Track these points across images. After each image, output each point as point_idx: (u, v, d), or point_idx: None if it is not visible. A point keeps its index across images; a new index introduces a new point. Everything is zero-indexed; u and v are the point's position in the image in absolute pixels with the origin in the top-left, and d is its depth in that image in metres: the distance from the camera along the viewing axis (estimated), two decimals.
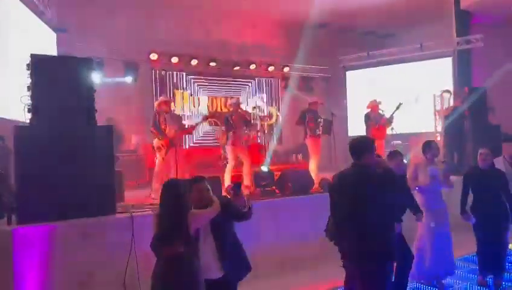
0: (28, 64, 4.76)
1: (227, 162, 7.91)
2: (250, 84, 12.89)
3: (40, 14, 8.32)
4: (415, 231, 5.10)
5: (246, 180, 7.61)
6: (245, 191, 6.86)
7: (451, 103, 9.99)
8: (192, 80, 11.91)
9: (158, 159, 7.07)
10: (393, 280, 4.08)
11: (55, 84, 4.81)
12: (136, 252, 4.60)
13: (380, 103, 9.03)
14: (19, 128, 4.72)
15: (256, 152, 8.55)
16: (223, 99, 12.36)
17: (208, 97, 12.17)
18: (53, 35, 8.95)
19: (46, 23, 8.60)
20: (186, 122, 11.25)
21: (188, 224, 3.11)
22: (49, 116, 4.75)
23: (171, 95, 11.25)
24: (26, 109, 4.74)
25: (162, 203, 3.24)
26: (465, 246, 5.44)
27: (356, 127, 11.33)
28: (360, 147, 3.54)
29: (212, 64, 11.46)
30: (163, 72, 11.38)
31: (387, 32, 13.84)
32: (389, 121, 8.85)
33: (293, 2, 11.10)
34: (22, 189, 4.57)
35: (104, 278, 4.59)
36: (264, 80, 13.13)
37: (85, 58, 5.39)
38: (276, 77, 13.24)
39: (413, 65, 12.18)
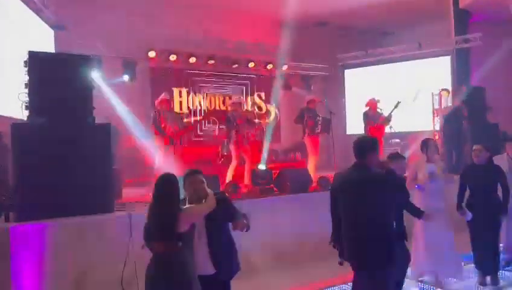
0: (25, 62, 4.74)
1: (226, 160, 7.90)
2: (248, 82, 12.87)
3: (38, 12, 8.29)
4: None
5: (246, 179, 7.62)
6: (244, 190, 6.88)
7: (450, 102, 9.99)
8: (190, 78, 11.89)
9: (157, 157, 7.07)
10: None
11: (53, 81, 4.81)
12: (134, 250, 4.59)
13: (378, 101, 9.03)
14: (17, 126, 4.71)
15: (256, 151, 8.55)
16: (221, 98, 12.35)
17: (207, 95, 12.15)
18: (51, 33, 8.92)
19: (43, 20, 8.57)
20: (185, 121, 11.25)
21: (178, 220, 3.07)
22: (47, 113, 4.74)
23: (170, 93, 11.22)
24: (23, 106, 4.73)
25: (153, 197, 3.19)
26: (465, 245, 5.44)
27: (355, 126, 11.34)
28: (364, 146, 3.53)
29: (211, 62, 11.43)
30: (161, 70, 11.37)
31: (386, 30, 13.84)
32: (388, 119, 8.86)
33: (292, 0, 11.08)
34: (19, 186, 4.57)
35: (102, 276, 4.58)
36: (262, 78, 13.10)
37: (83, 56, 5.38)
38: (275, 76, 13.21)
39: (411, 64, 12.18)
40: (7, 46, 6.86)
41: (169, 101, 7.41)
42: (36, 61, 4.78)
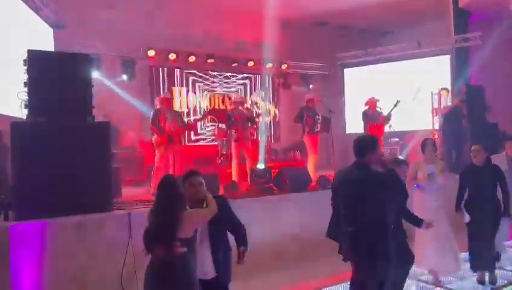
0: (24, 60, 4.74)
1: (225, 159, 7.91)
2: (248, 81, 12.87)
3: (37, 10, 8.27)
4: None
5: (248, 178, 7.63)
6: (243, 189, 6.88)
7: (449, 101, 10.00)
8: (190, 77, 11.89)
9: (157, 155, 7.07)
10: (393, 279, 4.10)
11: (52, 80, 4.80)
12: (133, 249, 4.59)
13: (377, 100, 9.03)
14: (16, 125, 4.70)
15: (256, 149, 8.56)
16: (221, 96, 12.35)
17: (206, 94, 12.15)
18: (50, 32, 8.91)
19: (43, 19, 8.56)
20: (185, 120, 11.26)
21: (181, 224, 3.01)
22: (46, 112, 4.74)
23: (169, 92, 11.21)
24: (23, 105, 4.72)
25: (156, 201, 3.13)
26: (464, 245, 5.44)
27: (354, 125, 11.33)
28: (364, 145, 3.54)
29: (210, 61, 11.42)
30: (160, 69, 11.37)
31: (386, 29, 13.84)
32: (387, 118, 8.85)
33: None
34: (18, 185, 4.56)
35: (101, 275, 4.59)
36: (262, 77, 13.10)
37: (82, 55, 5.38)
38: (274, 74, 13.22)
39: (411, 63, 12.17)
40: (6, 45, 6.85)
41: (169, 100, 7.40)
42: (35, 60, 4.77)
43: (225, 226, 3.47)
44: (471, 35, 11.10)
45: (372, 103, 8.98)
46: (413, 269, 5.13)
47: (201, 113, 11.74)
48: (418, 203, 5.20)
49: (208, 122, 12.00)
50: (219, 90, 12.36)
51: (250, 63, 12.05)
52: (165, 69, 11.47)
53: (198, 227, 3.22)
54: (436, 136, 9.54)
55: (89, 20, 9.87)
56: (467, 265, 5.51)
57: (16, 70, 5.07)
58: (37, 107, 4.73)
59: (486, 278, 5.12)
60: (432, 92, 10.63)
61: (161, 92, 10.33)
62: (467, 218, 5.01)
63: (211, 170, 7.78)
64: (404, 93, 10.63)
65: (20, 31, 7.42)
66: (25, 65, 4.74)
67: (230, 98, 11.92)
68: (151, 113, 7.22)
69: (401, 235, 4.19)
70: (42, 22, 8.56)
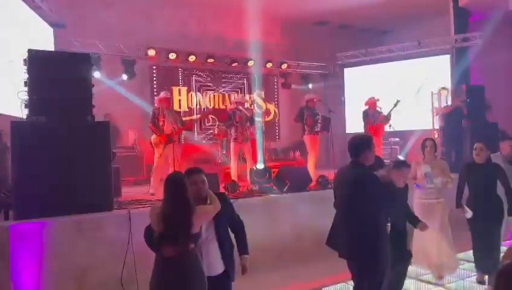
0: (25, 60, 4.74)
1: (225, 159, 7.91)
2: (248, 80, 12.87)
3: (37, 10, 8.27)
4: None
5: (246, 178, 7.64)
6: (243, 189, 6.88)
7: (449, 100, 10.00)
8: (189, 76, 11.89)
9: (156, 155, 7.07)
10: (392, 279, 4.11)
11: (52, 80, 4.80)
12: (133, 249, 4.59)
13: (378, 100, 9.04)
14: (16, 124, 4.70)
15: (255, 149, 8.57)
16: (221, 96, 12.35)
17: (206, 93, 12.16)
18: (50, 31, 8.90)
19: (43, 18, 8.55)
20: (185, 119, 11.25)
21: (192, 221, 2.99)
22: (46, 112, 4.74)
23: (169, 92, 11.21)
24: (23, 105, 4.73)
25: (166, 199, 3.05)
26: (465, 244, 5.45)
27: (354, 125, 11.34)
28: (357, 145, 3.54)
29: (210, 60, 11.42)
30: (161, 68, 11.36)
31: (386, 29, 13.84)
32: (387, 118, 8.86)
33: None
34: (19, 185, 4.56)
35: (101, 274, 4.59)
36: (262, 76, 13.09)
37: (83, 54, 5.38)
38: (274, 74, 13.23)
39: (411, 62, 12.18)
40: (6, 44, 6.85)
41: (168, 99, 7.41)
42: (36, 60, 4.77)
43: (228, 223, 3.49)
44: (471, 35, 11.11)
45: (372, 103, 8.99)
46: (413, 268, 5.18)
47: (202, 112, 11.73)
48: (418, 202, 5.22)
49: (208, 122, 12.00)
50: (219, 89, 12.35)
51: (250, 63, 12.04)
52: (165, 68, 11.47)
53: (205, 223, 3.23)
54: (436, 136, 9.55)
55: (89, 20, 9.88)
56: (466, 264, 5.52)
57: (16, 70, 5.07)
58: (37, 107, 4.73)
59: (486, 277, 5.12)
60: (432, 92, 10.64)
61: (162, 91, 10.32)
62: (469, 214, 5.00)
63: (211, 170, 7.78)
64: (404, 93, 10.64)
65: (20, 30, 7.42)
66: (25, 65, 4.74)
67: (230, 98, 11.94)
68: (150, 112, 7.23)
69: (400, 234, 4.20)
70: (42, 22, 8.56)
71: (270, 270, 5.42)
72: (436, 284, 5.12)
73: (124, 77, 10.37)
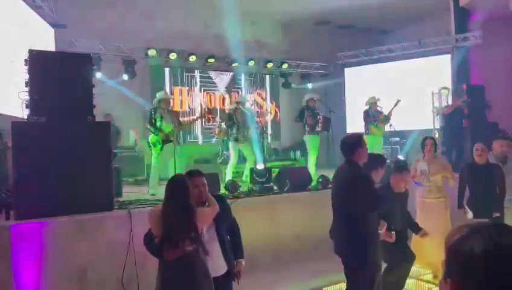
0: (26, 60, 4.74)
1: (226, 159, 7.92)
2: (248, 80, 12.88)
3: (38, 10, 8.28)
4: None
5: (244, 177, 7.64)
6: (243, 189, 6.89)
7: (450, 100, 9.99)
8: (190, 76, 11.90)
9: (153, 155, 7.07)
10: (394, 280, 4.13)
11: (53, 80, 4.81)
12: (134, 249, 4.60)
13: (378, 99, 9.04)
14: (17, 124, 4.71)
15: (256, 149, 8.57)
16: (221, 96, 12.36)
17: (207, 93, 12.17)
18: (51, 31, 8.92)
19: (44, 18, 8.57)
20: (185, 119, 11.26)
21: (196, 223, 2.97)
22: (47, 112, 4.75)
23: (170, 91, 11.24)
24: (24, 105, 4.73)
25: (169, 202, 3.02)
26: None
27: (355, 124, 11.34)
28: (349, 144, 3.58)
29: (211, 60, 11.43)
30: (161, 68, 11.38)
31: (386, 29, 13.83)
32: (388, 117, 8.87)
33: None
34: (19, 185, 4.56)
35: (102, 274, 4.60)
36: (262, 76, 13.11)
37: (83, 54, 5.39)
38: (275, 74, 13.23)
39: (411, 62, 12.17)
40: (7, 44, 6.86)
41: (166, 99, 7.38)
42: (36, 60, 4.78)
43: (226, 225, 3.50)
44: (471, 35, 11.10)
45: (372, 103, 8.99)
46: (413, 268, 5.17)
47: (202, 112, 11.74)
48: (419, 200, 5.24)
49: (209, 121, 12.01)
50: (220, 89, 12.36)
51: (251, 63, 12.06)
52: (166, 68, 11.48)
53: (206, 224, 3.22)
54: (436, 136, 9.55)
55: (89, 20, 9.89)
56: None
57: (17, 70, 5.08)
58: (38, 107, 4.73)
59: None
60: (432, 91, 10.63)
61: (161, 91, 10.33)
62: (470, 215, 5.01)
63: (211, 170, 7.79)
64: (405, 92, 10.63)
65: (21, 30, 7.43)
66: (26, 65, 4.75)
67: (231, 98, 11.95)
68: (148, 112, 7.21)
69: (401, 236, 4.20)
70: (43, 22, 8.57)
71: (270, 270, 5.43)
72: (436, 284, 5.12)
73: (125, 77, 10.38)
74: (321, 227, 4.01)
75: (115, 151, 7.16)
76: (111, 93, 9.71)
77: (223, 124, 9.34)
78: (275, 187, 6.81)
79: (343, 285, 5.00)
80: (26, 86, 4.73)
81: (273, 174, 7.08)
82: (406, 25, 12.75)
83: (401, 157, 9.75)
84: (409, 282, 4.93)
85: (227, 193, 6.23)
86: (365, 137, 8.19)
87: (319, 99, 8.75)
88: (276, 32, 13.21)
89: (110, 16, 10.28)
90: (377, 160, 4.06)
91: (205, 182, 3.35)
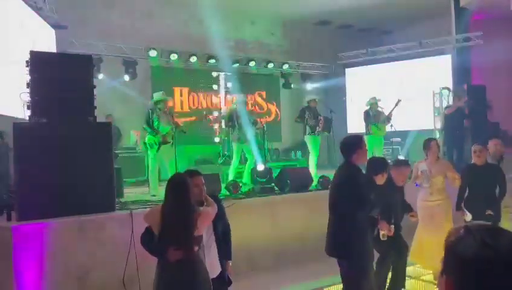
0: (27, 61, 4.76)
1: (227, 159, 7.92)
2: (249, 81, 12.87)
3: (39, 11, 8.29)
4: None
5: (245, 178, 7.64)
6: (244, 189, 6.90)
7: (451, 100, 9.99)
8: (191, 77, 11.90)
9: (150, 156, 7.07)
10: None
11: (54, 81, 4.82)
12: (135, 249, 4.60)
13: (379, 100, 9.04)
14: (18, 125, 4.72)
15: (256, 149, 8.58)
16: (222, 96, 12.35)
17: (207, 94, 12.17)
18: (52, 32, 8.93)
19: (45, 20, 8.58)
20: (185, 119, 11.26)
21: (198, 224, 2.96)
22: (49, 113, 4.76)
23: (170, 92, 11.23)
24: (25, 106, 4.74)
25: (170, 201, 2.99)
26: None
27: (355, 125, 11.34)
28: (347, 146, 3.61)
29: (212, 61, 11.44)
30: (162, 69, 11.39)
31: (387, 29, 13.84)
32: (388, 118, 8.86)
33: None
34: (21, 186, 4.57)
35: (103, 275, 4.61)
36: (263, 77, 13.11)
37: (84, 55, 5.40)
38: (276, 74, 13.23)
39: (412, 62, 12.17)
40: (8, 45, 6.88)
41: (165, 101, 7.37)
42: (38, 61, 4.79)
43: (221, 226, 3.52)
44: (472, 35, 11.10)
45: (373, 103, 8.99)
46: (414, 268, 5.18)
47: (203, 113, 11.73)
48: (420, 203, 5.23)
49: (209, 122, 12.01)
50: (220, 90, 12.36)
51: (252, 63, 12.06)
52: (167, 69, 11.48)
53: (208, 224, 3.23)
54: (437, 136, 9.55)
55: (90, 21, 9.90)
56: None
57: (18, 72, 5.09)
58: (39, 108, 4.74)
59: None
60: (433, 92, 10.63)
61: (159, 92, 10.33)
62: (468, 217, 5.01)
63: (212, 170, 7.80)
64: (406, 92, 10.63)
65: (22, 32, 7.45)
66: (27, 66, 4.76)
67: (231, 98, 11.94)
68: (145, 112, 7.19)
69: (397, 226, 4.26)
70: (44, 23, 8.58)
71: (271, 270, 5.44)
72: (436, 285, 5.12)
73: (126, 77, 10.39)
74: (322, 228, 4.00)
75: (116, 152, 7.17)
76: (112, 94, 9.73)
77: (223, 124, 9.35)
78: (276, 188, 6.81)
79: None
80: (28, 87, 4.74)
81: (274, 175, 7.09)
82: (406, 25, 12.76)
83: (401, 157, 9.75)
84: (409, 282, 4.94)
85: (228, 193, 6.24)
86: (366, 137, 8.30)
87: (319, 100, 8.75)
88: (276, 32, 13.22)
89: (111, 17, 10.30)
90: (380, 164, 4.11)
91: (204, 181, 3.35)
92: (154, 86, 11.02)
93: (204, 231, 3.25)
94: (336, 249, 3.54)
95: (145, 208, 5.25)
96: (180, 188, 3.02)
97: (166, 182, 3.16)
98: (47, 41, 8.60)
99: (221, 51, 11.33)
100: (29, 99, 4.74)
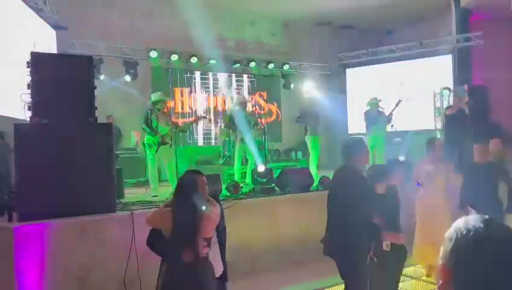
0: (28, 62, 4.76)
1: (227, 159, 7.92)
2: (250, 81, 12.89)
3: (39, 12, 8.30)
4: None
5: (247, 178, 7.64)
6: (245, 190, 6.90)
7: (451, 101, 9.98)
8: (192, 78, 11.91)
9: (149, 157, 7.07)
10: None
11: (55, 82, 4.82)
12: (136, 250, 4.61)
13: (380, 100, 9.04)
14: (19, 126, 4.72)
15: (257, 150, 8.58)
16: (223, 97, 12.36)
17: (208, 95, 12.17)
18: (52, 33, 8.94)
19: (45, 20, 8.59)
20: (186, 120, 11.28)
21: (208, 224, 2.95)
22: (50, 114, 4.76)
23: (171, 93, 11.24)
24: (26, 107, 4.75)
25: (182, 201, 2.95)
26: None
27: (356, 125, 11.34)
28: (346, 148, 3.62)
29: (212, 61, 11.44)
30: (162, 69, 11.40)
31: (387, 29, 13.84)
32: (389, 118, 8.86)
33: None
34: (22, 186, 4.58)
35: (104, 275, 4.61)
36: (263, 77, 13.11)
37: (85, 56, 5.40)
38: (276, 75, 13.23)
39: (413, 62, 12.17)
40: (9, 46, 6.88)
41: (164, 101, 7.37)
42: (38, 62, 4.79)
43: (221, 227, 3.53)
44: (472, 35, 11.09)
45: (374, 103, 8.99)
46: (414, 268, 5.18)
47: (204, 113, 11.75)
48: (420, 203, 5.23)
49: (210, 122, 12.01)
50: (221, 90, 12.37)
51: (252, 64, 12.07)
52: (167, 69, 11.49)
53: (216, 225, 3.23)
54: (438, 136, 9.53)
55: (90, 22, 9.91)
56: None
57: (19, 72, 5.09)
58: (40, 109, 4.74)
59: None
60: (433, 92, 10.63)
61: (157, 92, 10.34)
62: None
63: (213, 171, 7.80)
64: (406, 93, 10.64)
65: (23, 32, 7.46)
66: (28, 67, 4.76)
67: (232, 99, 11.96)
68: (144, 113, 7.19)
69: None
70: (45, 24, 8.59)
71: (271, 271, 5.44)
72: (436, 284, 5.11)
73: (127, 78, 10.40)
74: (323, 228, 4.00)
75: (116, 152, 7.16)
76: (113, 95, 9.73)
77: (224, 125, 9.35)
78: (277, 188, 6.81)
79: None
80: (28, 88, 4.74)
81: (275, 175, 7.09)
82: (407, 25, 12.75)
83: (401, 158, 9.74)
84: (410, 282, 4.94)
85: (228, 193, 6.24)
86: (367, 138, 8.31)
87: (320, 101, 8.76)
88: (277, 32, 13.22)
89: (111, 18, 10.31)
90: (380, 174, 4.09)
91: (206, 182, 3.36)
92: (155, 87, 11.02)
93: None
94: (331, 249, 3.56)
95: (146, 209, 5.26)
96: (192, 188, 2.99)
97: (178, 182, 3.13)
98: (48, 42, 8.60)
99: (222, 51, 11.35)
100: (30, 100, 4.74)
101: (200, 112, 11.80)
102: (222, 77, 12.31)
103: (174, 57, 10.91)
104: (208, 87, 12.19)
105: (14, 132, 4.61)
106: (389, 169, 4.46)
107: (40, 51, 6.69)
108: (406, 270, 5.10)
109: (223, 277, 3.46)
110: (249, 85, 12.86)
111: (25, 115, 4.85)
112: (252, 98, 12.50)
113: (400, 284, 4.49)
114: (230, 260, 3.73)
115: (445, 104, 10.04)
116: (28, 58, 4.76)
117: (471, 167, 5.25)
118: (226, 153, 9.62)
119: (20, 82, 5.10)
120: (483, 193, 4.96)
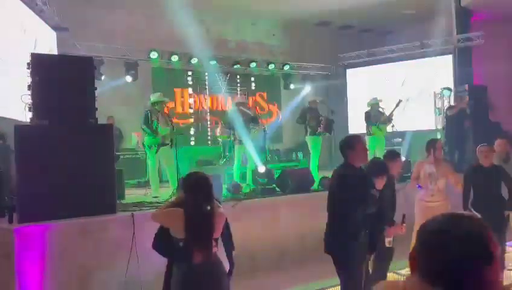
0: (28, 63, 4.77)
1: (228, 160, 7.92)
2: (250, 82, 12.88)
3: (39, 13, 8.31)
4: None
5: (248, 179, 7.64)
6: (246, 190, 6.91)
7: (452, 101, 9.98)
8: (192, 78, 11.91)
9: (149, 157, 7.07)
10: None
11: (55, 83, 4.83)
12: (137, 251, 4.61)
13: (380, 100, 9.04)
14: (20, 128, 4.74)
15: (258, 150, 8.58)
16: (223, 98, 12.36)
17: (208, 95, 12.17)
18: (53, 34, 8.95)
19: (45, 22, 8.60)
20: (186, 121, 11.29)
21: (218, 224, 2.94)
22: (50, 115, 4.77)
23: (172, 93, 11.24)
24: (26, 108, 4.76)
25: (195, 202, 2.90)
26: None
27: (357, 125, 11.33)
28: (343, 146, 3.64)
29: (212, 62, 11.44)
30: (163, 70, 11.40)
31: (387, 30, 13.83)
32: (389, 118, 8.86)
33: None
34: (23, 188, 4.58)
35: (105, 276, 4.61)
36: (264, 78, 13.11)
37: (85, 57, 5.42)
38: (277, 75, 13.24)
39: (413, 63, 12.16)
40: (9, 48, 6.89)
41: (163, 101, 7.37)
42: (39, 63, 4.80)
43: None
44: (473, 35, 11.09)
45: (374, 103, 8.99)
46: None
47: (205, 114, 11.76)
48: (420, 204, 5.22)
49: (210, 123, 12.01)
50: (221, 91, 12.37)
51: (252, 64, 12.07)
52: (168, 70, 11.50)
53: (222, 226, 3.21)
54: (439, 136, 9.53)
55: (91, 23, 9.92)
56: None
57: (20, 74, 5.10)
58: (40, 110, 4.75)
59: None
60: (434, 92, 10.62)
61: (156, 93, 10.34)
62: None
63: (214, 171, 7.80)
64: (407, 93, 10.63)
65: (23, 34, 7.47)
66: (28, 68, 4.78)
67: (232, 99, 11.95)
68: (144, 114, 7.19)
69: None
70: (45, 25, 8.60)
71: (272, 271, 5.44)
72: None
73: (127, 79, 10.41)
74: (323, 228, 4.00)
75: (117, 153, 7.18)
76: (113, 96, 9.73)
77: (224, 125, 9.35)
78: (277, 189, 6.82)
79: None
80: (29, 89, 4.75)
81: (275, 176, 7.09)
82: (407, 25, 12.75)
83: (396, 150, 9.75)
84: None
85: (229, 194, 6.25)
86: (367, 138, 8.31)
87: (321, 101, 8.76)
88: (277, 33, 13.23)
89: (112, 19, 10.31)
90: (379, 168, 4.10)
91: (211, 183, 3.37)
92: (156, 88, 11.03)
93: None
94: (328, 248, 3.59)
95: (147, 209, 5.27)
96: (204, 188, 2.96)
97: (186, 181, 3.06)
98: (48, 43, 8.61)
99: (222, 52, 11.36)
100: (31, 101, 4.75)
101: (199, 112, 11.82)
102: (222, 77, 12.30)
103: (175, 58, 10.91)
104: (209, 88, 12.18)
105: (15, 133, 4.62)
106: (389, 157, 4.48)
107: (41, 52, 6.70)
108: (403, 270, 5.11)
109: (231, 274, 3.48)
110: (249, 85, 12.85)
111: (25, 116, 4.86)
112: (253, 99, 12.49)
113: None
114: None
115: (446, 104, 10.04)
116: (29, 59, 4.77)
117: (474, 169, 5.22)
118: (227, 153, 9.63)
119: (20, 83, 5.11)
120: (486, 194, 4.95)
